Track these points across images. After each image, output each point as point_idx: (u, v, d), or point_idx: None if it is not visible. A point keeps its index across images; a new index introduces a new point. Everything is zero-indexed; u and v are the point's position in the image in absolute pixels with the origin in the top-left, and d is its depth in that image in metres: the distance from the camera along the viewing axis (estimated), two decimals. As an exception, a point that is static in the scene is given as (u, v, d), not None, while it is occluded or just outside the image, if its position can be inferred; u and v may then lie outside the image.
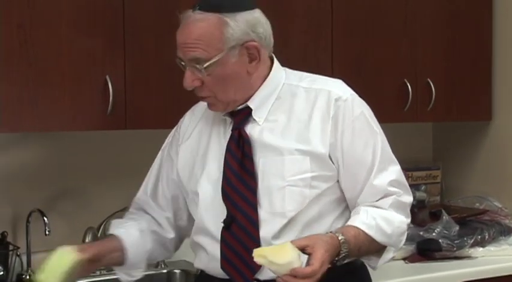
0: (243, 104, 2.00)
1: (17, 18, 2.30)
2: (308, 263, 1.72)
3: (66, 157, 2.82)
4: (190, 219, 2.12)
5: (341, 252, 1.80)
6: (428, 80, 3.05)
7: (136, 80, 2.51)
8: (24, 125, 2.38)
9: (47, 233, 2.54)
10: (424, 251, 2.88)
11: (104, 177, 2.89)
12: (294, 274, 1.70)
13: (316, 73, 2.11)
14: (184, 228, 2.17)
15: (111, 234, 2.12)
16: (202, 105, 2.16)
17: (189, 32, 1.90)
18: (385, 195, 1.96)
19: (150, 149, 2.61)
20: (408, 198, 2.02)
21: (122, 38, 2.47)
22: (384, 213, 1.94)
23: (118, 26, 2.47)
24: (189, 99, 2.21)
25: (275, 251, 1.76)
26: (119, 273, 2.15)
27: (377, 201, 1.97)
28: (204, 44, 1.88)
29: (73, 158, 2.84)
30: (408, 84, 3.00)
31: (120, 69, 2.47)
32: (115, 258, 2.06)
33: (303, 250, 1.75)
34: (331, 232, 1.87)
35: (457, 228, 2.91)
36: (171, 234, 2.16)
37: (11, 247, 2.52)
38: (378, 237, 1.90)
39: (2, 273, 2.43)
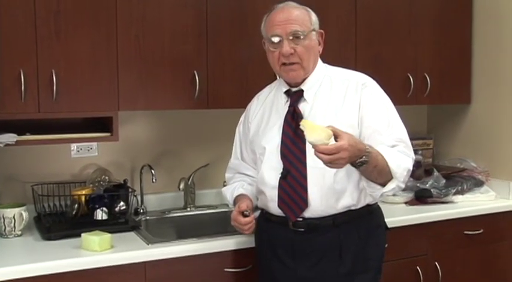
0: (299, 85, 2.24)
1: (135, 30, 2.60)
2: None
3: (166, 128, 3.13)
4: None
5: (363, 156, 1.97)
6: (425, 74, 3.36)
7: (215, 74, 2.77)
8: (137, 105, 2.65)
9: (153, 180, 2.90)
10: (420, 197, 3.19)
11: (192, 142, 3.19)
12: (316, 149, 1.90)
13: (345, 68, 2.36)
14: None
15: (241, 194, 2.39)
16: (263, 93, 2.43)
17: (290, 13, 2.19)
18: (392, 147, 2.15)
19: (225, 123, 3.02)
20: (410, 149, 2.20)
21: (205, 44, 2.75)
22: (395, 152, 2.14)
23: (202, 36, 2.73)
24: (253, 88, 2.54)
25: (314, 127, 1.91)
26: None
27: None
28: (301, 21, 2.18)
29: (171, 128, 3.13)
30: (410, 78, 3.32)
31: (204, 66, 2.74)
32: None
33: (336, 138, 1.91)
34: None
35: (444, 181, 3.25)
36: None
37: (130, 190, 2.78)
38: (391, 163, 2.06)
39: (124, 207, 2.69)
